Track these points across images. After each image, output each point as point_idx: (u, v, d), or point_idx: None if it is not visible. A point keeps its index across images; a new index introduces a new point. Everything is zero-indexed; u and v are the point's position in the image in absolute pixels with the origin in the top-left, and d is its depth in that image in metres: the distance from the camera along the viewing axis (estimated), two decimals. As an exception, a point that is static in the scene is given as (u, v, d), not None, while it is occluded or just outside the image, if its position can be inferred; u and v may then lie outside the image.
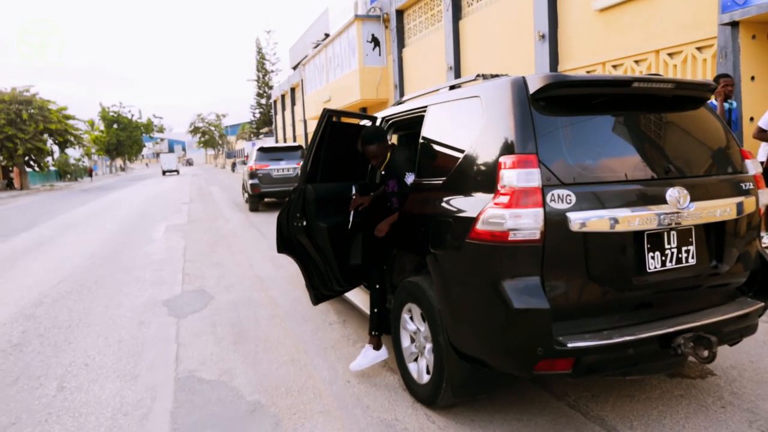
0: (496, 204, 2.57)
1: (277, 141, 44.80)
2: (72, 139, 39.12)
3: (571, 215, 2.53)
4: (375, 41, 19.75)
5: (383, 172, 4.04)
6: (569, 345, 2.51)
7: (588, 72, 10.34)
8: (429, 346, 3.23)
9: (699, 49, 8.13)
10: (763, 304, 3.13)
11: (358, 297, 4.76)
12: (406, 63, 18.71)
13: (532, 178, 2.52)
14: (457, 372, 2.99)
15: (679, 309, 2.91)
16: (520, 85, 2.74)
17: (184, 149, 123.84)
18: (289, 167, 14.63)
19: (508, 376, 3.04)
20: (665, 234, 2.77)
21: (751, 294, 3.20)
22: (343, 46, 21.30)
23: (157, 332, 5.03)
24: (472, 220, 2.67)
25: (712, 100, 5.62)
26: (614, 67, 9.72)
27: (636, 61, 9.25)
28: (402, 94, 18.69)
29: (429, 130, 3.47)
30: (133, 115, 69.13)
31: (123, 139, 66.29)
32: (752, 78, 6.75)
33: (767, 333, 4.40)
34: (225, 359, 4.32)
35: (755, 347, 4.13)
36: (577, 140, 2.74)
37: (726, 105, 5.80)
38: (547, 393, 3.50)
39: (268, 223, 12.39)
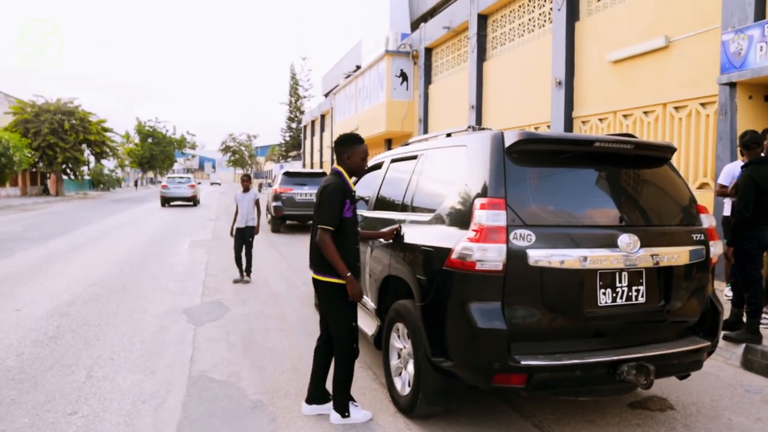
0: (468, 238, 3.05)
1: (304, 165, 45.82)
2: (108, 150, 40.71)
3: (530, 252, 2.99)
4: (403, 76, 20.52)
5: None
6: (522, 362, 2.96)
7: (601, 119, 10.80)
8: (411, 360, 3.68)
9: (703, 105, 8.55)
10: (709, 343, 3.52)
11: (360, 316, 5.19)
12: (431, 99, 19.39)
13: (498, 218, 2.99)
14: (431, 383, 3.44)
15: (629, 341, 3.33)
16: (498, 139, 3.24)
17: (214, 167, 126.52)
18: (311, 192, 15.24)
19: (475, 388, 3.46)
20: (617, 274, 3.20)
21: (701, 334, 3.60)
22: (373, 78, 22.13)
23: (176, 336, 5.55)
24: (449, 251, 3.15)
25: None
26: (625, 116, 10.17)
27: (645, 112, 9.69)
28: (426, 129, 19.34)
29: (424, 170, 3.99)
30: (167, 131, 71.31)
31: (156, 153, 68.27)
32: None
33: (733, 375, 4.75)
34: (234, 363, 4.81)
35: (719, 388, 4.47)
36: (543, 188, 3.22)
37: None
38: (516, 413, 3.89)
39: (287, 244, 12.96)
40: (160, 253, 11.31)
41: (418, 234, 3.65)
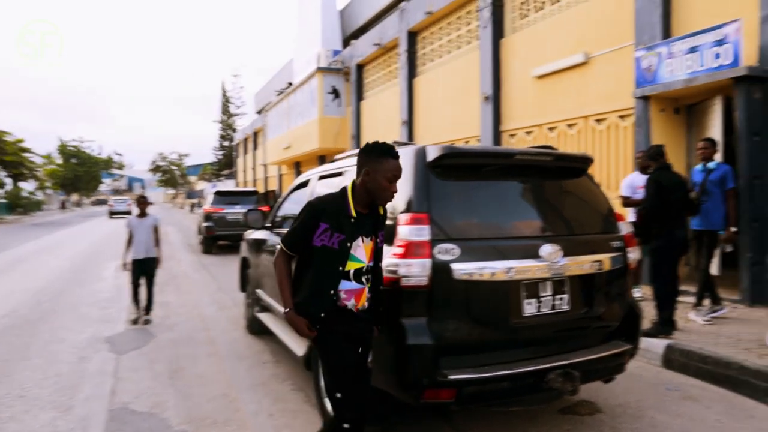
0: (393, 254, 3.01)
1: (237, 184, 44.98)
2: (26, 171, 38.59)
3: (454, 265, 2.99)
4: (335, 92, 20.55)
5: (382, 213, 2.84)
6: (450, 377, 2.94)
7: (527, 132, 11.14)
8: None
9: (621, 117, 8.98)
10: (631, 346, 3.63)
11: (289, 336, 5.06)
12: (363, 115, 19.49)
13: (422, 233, 2.98)
14: (362, 402, 3.36)
15: (556, 349, 3.38)
16: (421, 154, 3.24)
17: (143, 187, 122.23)
18: (243, 211, 14.92)
19: (407, 405, 3.42)
20: (540, 283, 3.25)
21: (623, 338, 3.70)
22: (305, 95, 22.04)
23: (96, 367, 5.23)
24: (378, 268, 3.10)
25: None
26: (550, 129, 10.53)
27: (569, 125, 10.07)
28: (359, 145, 19.38)
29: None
30: (93, 150, 68.44)
31: (81, 174, 65.34)
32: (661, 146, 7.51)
33: (656, 375, 4.93)
34: (159, 393, 4.57)
35: (643, 388, 4.62)
36: (466, 202, 3.24)
37: (701, 166, 6.27)
38: (451, 428, 3.87)
39: (219, 265, 12.60)
40: (82, 279, 10.72)
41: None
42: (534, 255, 3.20)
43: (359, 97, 19.73)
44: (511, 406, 3.34)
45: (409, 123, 15.74)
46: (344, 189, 2.75)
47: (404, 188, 3.19)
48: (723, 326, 5.76)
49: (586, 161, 3.74)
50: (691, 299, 6.38)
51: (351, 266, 2.68)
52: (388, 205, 2.82)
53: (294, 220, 2.77)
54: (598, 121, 9.46)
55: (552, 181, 3.61)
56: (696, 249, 6.46)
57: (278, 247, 2.78)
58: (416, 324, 2.97)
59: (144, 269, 7.17)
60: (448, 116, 13.85)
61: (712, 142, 6.24)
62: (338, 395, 2.65)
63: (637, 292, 6.76)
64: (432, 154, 3.21)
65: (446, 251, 3.00)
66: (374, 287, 2.80)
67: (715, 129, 7.43)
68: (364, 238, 2.70)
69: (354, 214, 2.68)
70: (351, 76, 20.10)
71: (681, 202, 5.58)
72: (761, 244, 6.59)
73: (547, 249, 3.23)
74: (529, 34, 11.10)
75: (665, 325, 5.42)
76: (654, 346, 5.27)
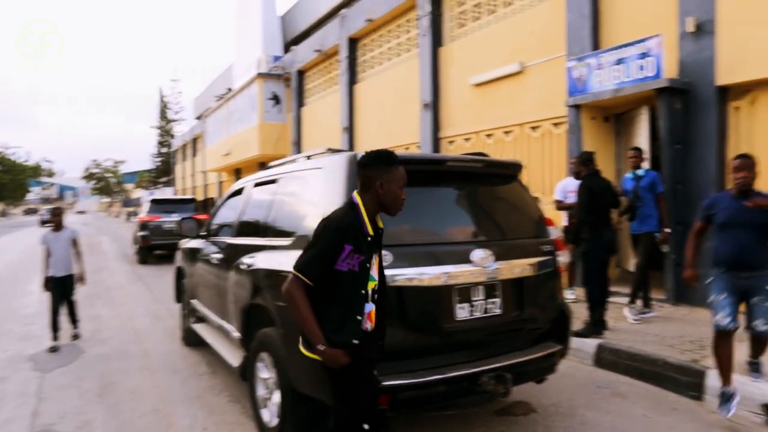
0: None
1: (176, 192, 43.77)
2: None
3: (387, 272, 2.99)
4: (276, 98, 20.34)
5: (381, 229, 2.69)
6: (385, 383, 2.93)
7: (466, 139, 11.35)
8: (278, 390, 3.54)
9: (555, 125, 9.28)
10: (561, 347, 3.74)
11: (224, 346, 4.94)
12: (304, 121, 19.38)
13: (355, 239, 2.96)
14: (297, 412, 3.32)
15: (489, 352, 3.43)
16: (353, 160, 3.23)
17: (75, 195, 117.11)
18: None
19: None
20: (472, 288, 3.30)
21: (554, 339, 3.81)
22: (245, 101, 21.72)
23: (17, 387, 4.95)
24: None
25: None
26: (487, 136, 10.77)
27: (505, 132, 10.33)
28: (299, 151, 19.24)
29: (284, 194, 3.90)
30: (19, 157, 65.05)
31: (6, 182, 61.97)
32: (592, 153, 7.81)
33: (588, 374, 5.10)
34: (86, 411, 4.37)
35: (575, 387, 4.77)
36: (399, 208, 3.25)
37: (631, 174, 6.56)
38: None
39: (155, 275, 12.20)
40: (6, 293, 10.15)
41: (277, 259, 3.54)
42: (466, 260, 3.25)
43: (300, 103, 19.60)
44: (446, 410, 3.37)
45: (350, 129, 15.75)
46: (355, 205, 2.56)
47: (336, 195, 3.18)
48: (650, 325, 6.03)
49: (516, 168, 3.84)
50: (623, 300, 6.64)
51: (369, 286, 2.58)
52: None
53: (309, 246, 2.53)
54: (533, 128, 9.75)
55: (484, 187, 3.69)
56: (633, 251, 6.77)
57: (290, 276, 2.51)
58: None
59: (64, 289, 6.55)
60: (389, 123, 13.95)
61: (640, 151, 6.58)
62: (366, 427, 2.57)
63: (570, 294, 7.03)
64: (365, 161, 3.21)
65: (379, 258, 3.00)
66: (380, 303, 2.68)
67: (642, 137, 7.79)
68: (375, 254, 2.61)
69: (371, 232, 2.55)
70: (292, 82, 19.95)
71: (609, 206, 5.82)
72: (684, 246, 6.92)
73: (478, 254, 3.29)
74: (467, 43, 11.33)
75: (596, 326, 5.62)
76: (586, 345, 5.45)
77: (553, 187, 9.35)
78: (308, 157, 4.10)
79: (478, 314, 3.32)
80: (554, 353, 3.67)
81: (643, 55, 7.15)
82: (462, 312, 3.26)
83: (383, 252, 2.91)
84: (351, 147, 15.18)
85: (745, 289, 3.98)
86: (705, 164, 6.83)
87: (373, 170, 2.56)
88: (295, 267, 2.50)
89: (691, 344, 5.24)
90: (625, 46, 7.36)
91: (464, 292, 3.27)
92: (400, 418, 4.01)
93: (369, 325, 2.59)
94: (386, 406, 3.00)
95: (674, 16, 7.09)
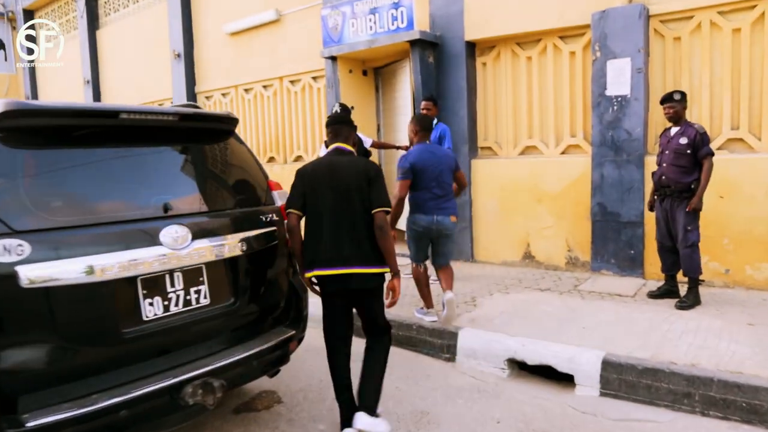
0: None
1: None
2: None
3: (21, 269, 2.11)
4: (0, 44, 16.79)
5: None
6: (29, 424, 2.09)
7: (224, 95, 10.33)
8: None
9: (314, 78, 8.76)
10: (294, 331, 3.20)
11: None
12: (39, 72, 16.32)
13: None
14: None
15: (197, 353, 2.74)
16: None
17: None
18: None
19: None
20: (166, 276, 2.56)
21: (287, 323, 3.26)
22: (-43, 46, 17.58)
23: None
24: None
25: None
26: (246, 90, 9.89)
27: (264, 86, 9.55)
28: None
29: None
30: None
31: None
32: (352, 107, 7.46)
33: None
34: None
35: (322, 364, 4.33)
36: (46, 179, 2.34)
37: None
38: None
39: None
40: None
41: None
42: (152, 242, 2.49)
43: (32, 50, 16.38)
44: (145, 433, 2.62)
45: (95, 82, 13.56)
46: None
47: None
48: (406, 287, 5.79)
49: (229, 122, 3.12)
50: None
51: None
52: None
53: (381, 184, 3.06)
54: (292, 82, 9.12)
55: (183, 147, 2.91)
56: None
57: (385, 210, 3.05)
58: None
59: None
60: (139, 75, 12.20)
61: (434, 102, 6.14)
62: None
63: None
64: (-8, 113, 2.23)
65: (8, 250, 2.10)
66: None
67: (403, 91, 7.64)
68: None
69: None
70: (17, 24, 16.56)
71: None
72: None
73: (170, 233, 2.54)
74: (220, -15, 10.18)
75: None
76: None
77: (315, 147, 8.93)
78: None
79: (176, 309, 2.60)
80: (286, 340, 3.12)
81: (396, 5, 6.89)
82: (152, 309, 2.51)
83: (13, 241, 2.04)
84: (96, 102, 13.07)
85: None
86: (458, 118, 6.87)
87: (348, 126, 3.32)
88: (384, 203, 3.06)
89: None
90: (379, -5, 7.03)
91: (154, 283, 2.52)
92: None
93: None
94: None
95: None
